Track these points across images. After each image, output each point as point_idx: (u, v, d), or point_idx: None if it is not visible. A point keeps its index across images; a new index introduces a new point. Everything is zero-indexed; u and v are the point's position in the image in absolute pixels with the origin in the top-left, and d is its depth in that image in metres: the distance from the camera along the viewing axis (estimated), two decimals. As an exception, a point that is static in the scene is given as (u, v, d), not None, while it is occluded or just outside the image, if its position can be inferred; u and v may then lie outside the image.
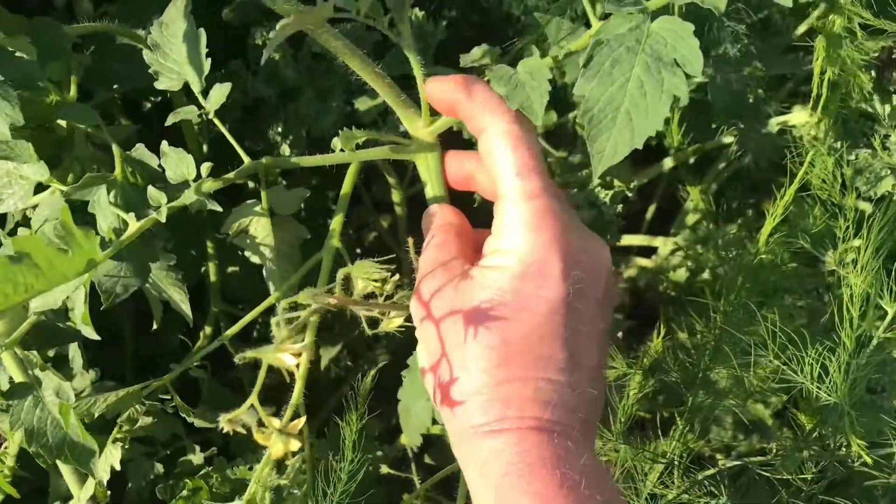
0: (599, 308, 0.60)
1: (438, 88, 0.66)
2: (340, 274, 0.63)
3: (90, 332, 0.59)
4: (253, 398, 0.57)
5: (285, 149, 0.72)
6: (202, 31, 0.74)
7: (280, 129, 1.04)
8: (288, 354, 0.56)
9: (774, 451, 0.88)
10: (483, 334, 0.57)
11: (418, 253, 0.66)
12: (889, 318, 0.77)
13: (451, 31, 1.05)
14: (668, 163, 1.09)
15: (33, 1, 1.10)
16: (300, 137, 1.06)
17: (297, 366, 0.64)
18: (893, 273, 0.77)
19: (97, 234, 0.48)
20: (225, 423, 0.57)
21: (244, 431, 0.58)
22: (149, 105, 1.08)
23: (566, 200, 0.63)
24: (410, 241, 0.66)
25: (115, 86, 0.94)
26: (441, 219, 0.67)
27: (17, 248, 0.47)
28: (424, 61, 1.05)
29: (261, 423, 0.58)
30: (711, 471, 0.85)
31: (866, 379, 0.78)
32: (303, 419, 0.59)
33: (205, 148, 1.00)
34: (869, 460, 0.70)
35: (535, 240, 0.58)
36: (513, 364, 0.56)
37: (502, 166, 0.61)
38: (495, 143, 0.61)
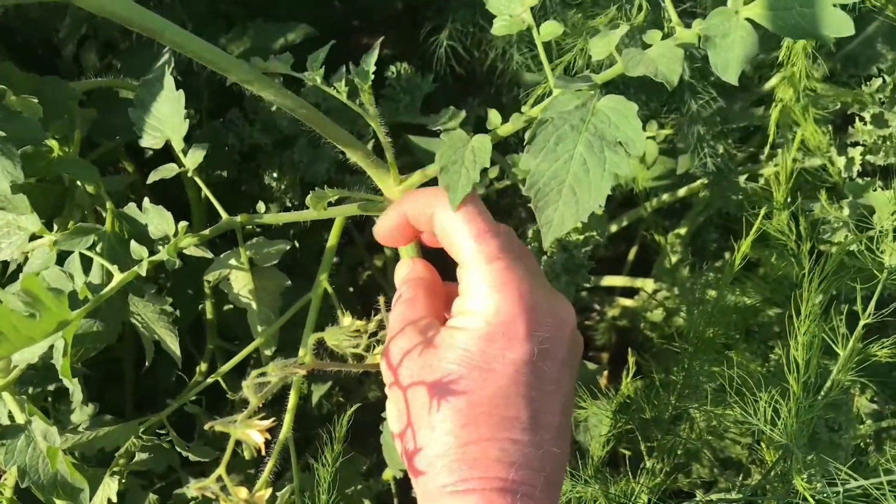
0: (564, 367, 0.61)
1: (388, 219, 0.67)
2: (312, 339, 0.64)
3: (70, 384, 0.62)
4: (221, 470, 0.57)
5: (260, 207, 0.74)
6: (181, 93, 0.76)
7: (276, 175, 1.10)
8: (255, 431, 0.55)
9: (738, 487, 0.91)
10: (449, 396, 0.58)
11: (389, 310, 0.66)
12: (840, 361, 0.81)
13: (437, 84, 1.10)
14: (648, 206, 1.13)
15: (42, 51, 1.16)
16: (294, 182, 1.11)
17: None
18: (845, 318, 0.80)
19: (74, 291, 0.52)
20: (195, 489, 0.57)
21: (213, 497, 0.58)
22: (150, 151, 1.12)
23: (532, 259, 0.64)
24: (381, 300, 0.66)
25: (118, 137, 0.98)
26: (411, 273, 0.68)
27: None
28: (413, 112, 1.11)
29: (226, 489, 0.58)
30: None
31: (817, 420, 0.81)
32: (268, 491, 0.59)
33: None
34: (812, 502, 0.73)
35: (501, 301, 0.58)
36: (478, 425, 0.57)
37: (458, 235, 0.61)
38: (447, 218, 0.62)
